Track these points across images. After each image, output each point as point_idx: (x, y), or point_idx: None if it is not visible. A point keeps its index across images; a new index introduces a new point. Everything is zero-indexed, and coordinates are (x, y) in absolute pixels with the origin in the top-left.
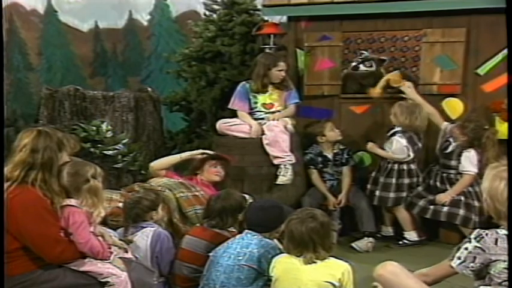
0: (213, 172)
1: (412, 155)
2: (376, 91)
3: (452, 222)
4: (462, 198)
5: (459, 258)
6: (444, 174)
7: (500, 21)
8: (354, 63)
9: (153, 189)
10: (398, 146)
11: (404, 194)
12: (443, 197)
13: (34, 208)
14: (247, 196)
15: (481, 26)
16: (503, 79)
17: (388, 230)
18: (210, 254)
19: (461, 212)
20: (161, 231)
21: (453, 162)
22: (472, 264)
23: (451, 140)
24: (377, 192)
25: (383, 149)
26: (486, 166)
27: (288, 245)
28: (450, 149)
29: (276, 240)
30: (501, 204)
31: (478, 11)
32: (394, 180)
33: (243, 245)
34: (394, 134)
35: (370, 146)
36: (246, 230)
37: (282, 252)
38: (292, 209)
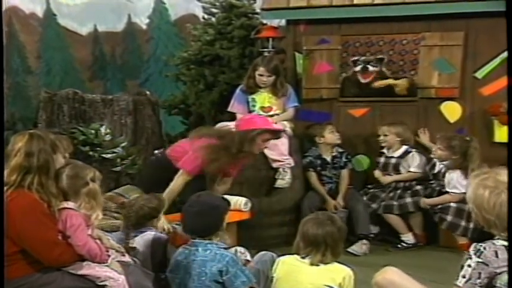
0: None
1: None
2: None
3: (454, 232)
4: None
5: (464, 276)
6: (443, 190)
7: (498, 24)
8: (361, 64)
9: (156, 196)
10: (419, 163)
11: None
12: (423, 203)
13: (31, 212)
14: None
15: (479, 30)
16: (501, 82)
17: (408, 237)
18: (167, 273)
19: (463, 223)
20: (160, 236)
21: (442, 183)
22: (479, 281)
23: (436, 161)
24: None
25: (398, 170)
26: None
27: (300, 243)
28: (436, 169)
29: None
30: (488, 212)
31: (476, 15)
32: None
33: (199, 264)
34: (406, 153)
35: (386, 179)
36: (192, 240)
37: (238, 263)
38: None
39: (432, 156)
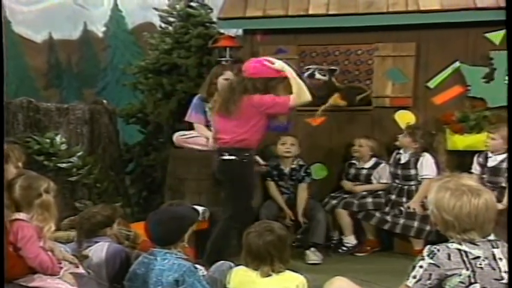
0: None
1: None
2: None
3: (407, 234)
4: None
5: (414, 277)
6: (405, 187)
7: (449, 35)
8: (310, 71)
9: (111, 206)
10: (387, 173)
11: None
12: (412, 204)
13: None
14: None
15: (431, 41)
16: (452, 92)
17: (350, 240)
18: (124, 282)
19: (416, 224)
20: (116, 246)
21: (412, 171)
22: (428, 282)
23: (401, 151)
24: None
25: (369, 180)
26: (443, 171)
27: (246, 258)
28: (404, 159)
29: None
30: (448, 213)
31: (427, 26)
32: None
33: (156, 273)
34: (377, 164)
35: (359, 188)
36: (152, 249)
37: (196, 273)
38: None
39: (397, 143)
